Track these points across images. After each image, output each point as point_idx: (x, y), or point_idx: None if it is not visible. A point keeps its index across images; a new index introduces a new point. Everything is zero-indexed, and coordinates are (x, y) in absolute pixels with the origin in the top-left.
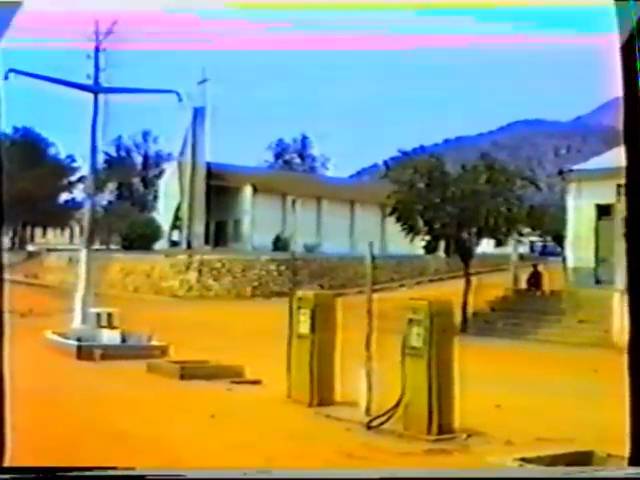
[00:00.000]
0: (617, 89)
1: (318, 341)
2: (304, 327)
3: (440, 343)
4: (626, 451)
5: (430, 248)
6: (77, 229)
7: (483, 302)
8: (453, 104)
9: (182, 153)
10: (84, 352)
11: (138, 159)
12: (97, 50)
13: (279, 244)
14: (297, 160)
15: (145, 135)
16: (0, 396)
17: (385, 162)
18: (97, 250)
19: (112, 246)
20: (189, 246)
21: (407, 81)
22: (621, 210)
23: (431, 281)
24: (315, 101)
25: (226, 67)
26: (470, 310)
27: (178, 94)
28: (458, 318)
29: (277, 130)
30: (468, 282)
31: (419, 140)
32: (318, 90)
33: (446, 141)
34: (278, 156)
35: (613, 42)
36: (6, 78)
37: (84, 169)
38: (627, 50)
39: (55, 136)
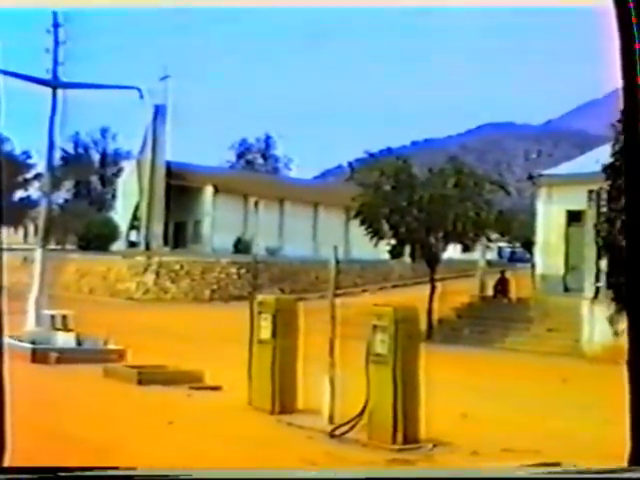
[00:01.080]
0: (592, 91)
1: (280, 347)
2: (265, 332)
3: (405, 350)
4: (593, 462)
5: (395, 253)
6: (32, 228)
7: (449, 309)
8: (422, 103)
9: (141, 151)
10: (39, 355)
11: (96, 157)
12: (56, 43)
13: (240, 246)
14: (260, 160)
15: (104, 132)
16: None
17: (350, 164)
18: (52, 250)
19: (68, 246)
20: (147, 247)
21: (374, 79)
22: (592, 216)
23: (395, 286)
24: (278, 99)
25: (189, 63)
26: (436, 317)
27: (139, 90)
28: (423, 325)
29: (240, 129)
30: (433, 288)
31: (386, 142)
32: (281, 87)
33: (414, 143)
34: (240, 156)
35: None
36: None
37: (40, 166)
38: (626, 46)
39: (10, 131)
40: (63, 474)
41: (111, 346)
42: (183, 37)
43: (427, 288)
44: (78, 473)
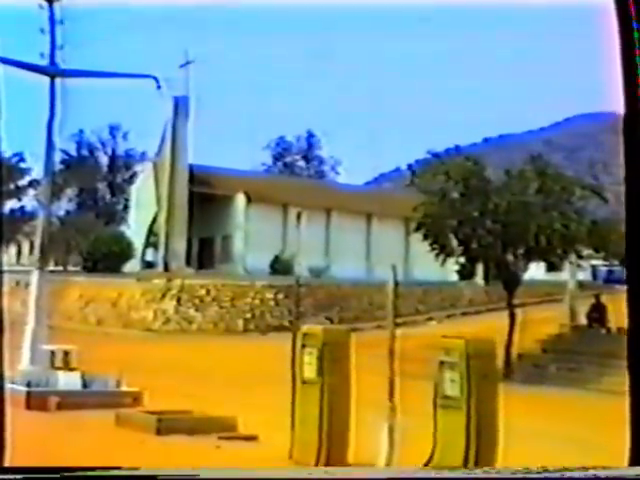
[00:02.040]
0: None
1: (328, 387)
2: (310, 370)
3: (480, 392)
4: None
5: (465, 273)
6: (27, 245)
7: (532, 341)
8: (494, 94)
9: (159, 153)
10: (35, 400)
11: (104, 159)
12: (53, 22)
13: (278, 266)
14: (301, 163)
15: (113, 130)
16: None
17: (410, 166)
18: (52, 272)
19: (70, 267)
20: (166, 268)
21: (437, 67)
22: None
23: (466, 314)
24: (323, 89)
25: (215, 46)
26: (516, 351)
27: (156, 79)
28: (501, 361)
29: (277, 126)
30: (513, 316)
31: (453, 139)
32: (326, 78)
33: (486, 140)
34: (278, 158)
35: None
36: None
37: (36, 171)
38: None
39: None
40: (64, 474)
41: (124, 388)
42: (208, 14)
43: (505, 316)
44: (80, 473)
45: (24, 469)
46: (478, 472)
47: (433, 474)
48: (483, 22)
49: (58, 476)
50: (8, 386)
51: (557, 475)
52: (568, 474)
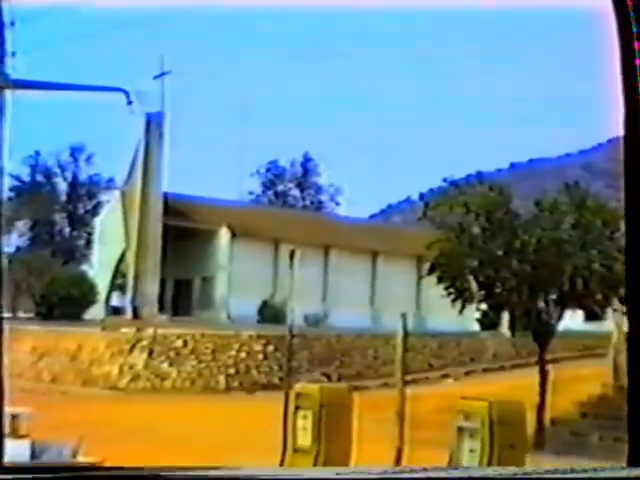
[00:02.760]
0: None
1: (324, 457)
2: (304, 436)
3: (505, 464)
4: None
5: (488, 322)
6: None
7: (569, 404)
8: (523, 112)
9: (128, 179)
10: None
11: (63, 187)
12: (1, 25)
13: (267, 314)
14: (295, 192)
15: (74, 152)
16: None
17: (423, 196)
18: None
19: (21, 314)
20: (136, 315)
21: (454, 81)
22: None
23: (489, 371)
24: (321, 108)
25: (193, 56)
26: (549, 415)
27: (126, 93)
28: (531, 427)
29: (267, 148)
30: (545, 373)
31: (474, 164)
32: (325, 94)
33: (513, 166)
34: (268, 186)
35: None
36: None
37: None
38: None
39: None
40: (64, 474)
41: (83, 458)
42: (188, 17)
43: (535, 373)
44: (80, 473)
45: (24, 469)
46: (478, 472)
47: (433, 474)
48: (506, 30)
49: (58, 476)
50: None
51: (557, 475)
52: (568, 474)
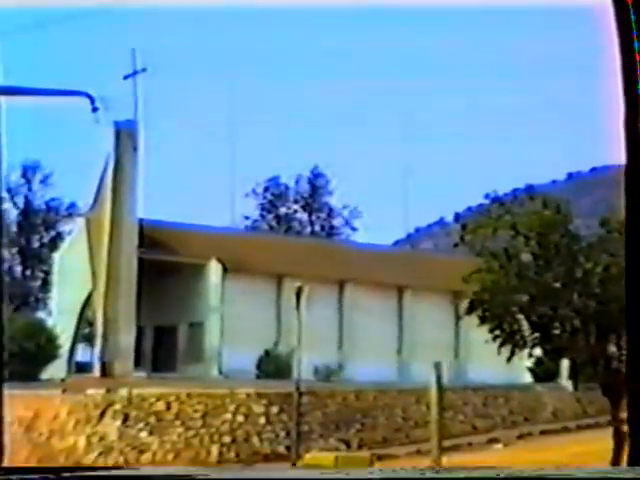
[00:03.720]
0: None
1: None
2: None
3: None
4: None
5: (543, 372)
6: None
7: None
8: (583, 109)
9: (95, 204)
10: None
11: (12, 214)
12: None
13: (269, 366)
14: (302, 215)
15: (28, 171)
16: None
17: (458, 217)
18: None
19: None
20: (105, 372)
21: (495, 79)
22: None
23: (547, 433)
24: (333, 111)
25: (171, 49)
26: None
27: (90, 97)
28: None
29: (267, 162)
30: (621, 436)
31: (522, 176)
32: (338, 91)
33: (571, 176)
34: (268, 208)
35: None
36: None
37: None
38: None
39: None
40: (64, 474)
41: None
42: (164, 4)
43: (608, 436)
44: (80, 473)
45: (24, 469)
46: (478, 472)
47: (433, 474)
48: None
49: (58, 476)
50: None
51: (558, 475)
52: (569, 474)
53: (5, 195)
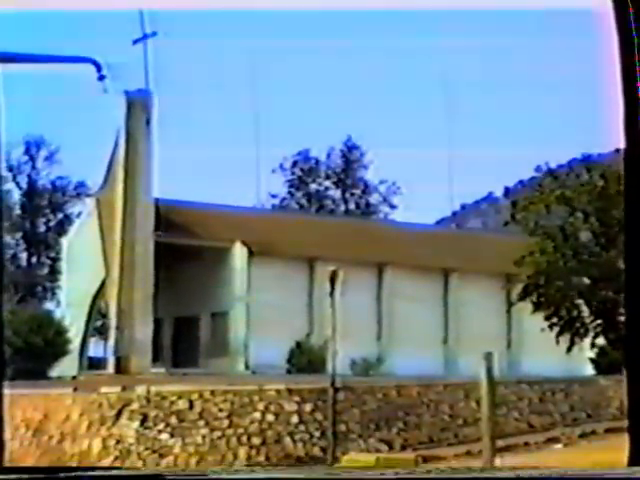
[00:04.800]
0: None
1: None
2: None
3: None
4: None
5: (607, 363)
6: None
7: None
8: None
9: (106, 183)
10: None
11: (15, 195)
12: None
13: (301, 359)
14: (334, 192)
15: (31, 147)
16: None
17: (508, 191)
18: None
19: None
20: (120, 368)
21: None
22: None
23: (613, 431)
24: (367, 75)
25: (185, 9)
26: None
27: (97, 64)
28: None
29: (295, 133)
30: None
31: (576, 145)
32: (371, 54)
33: None
34: (297, 185)
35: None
36: None
37: None
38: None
39: None
40: (64, 474)
41: None
42: None
43: None
44: (80, 473)
45: (24, 469)
46: (478, 472)
47: (433, 474)
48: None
49: (58, 476)
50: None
51: (558, 475)
52: (569, 474)
53: (6, 174)
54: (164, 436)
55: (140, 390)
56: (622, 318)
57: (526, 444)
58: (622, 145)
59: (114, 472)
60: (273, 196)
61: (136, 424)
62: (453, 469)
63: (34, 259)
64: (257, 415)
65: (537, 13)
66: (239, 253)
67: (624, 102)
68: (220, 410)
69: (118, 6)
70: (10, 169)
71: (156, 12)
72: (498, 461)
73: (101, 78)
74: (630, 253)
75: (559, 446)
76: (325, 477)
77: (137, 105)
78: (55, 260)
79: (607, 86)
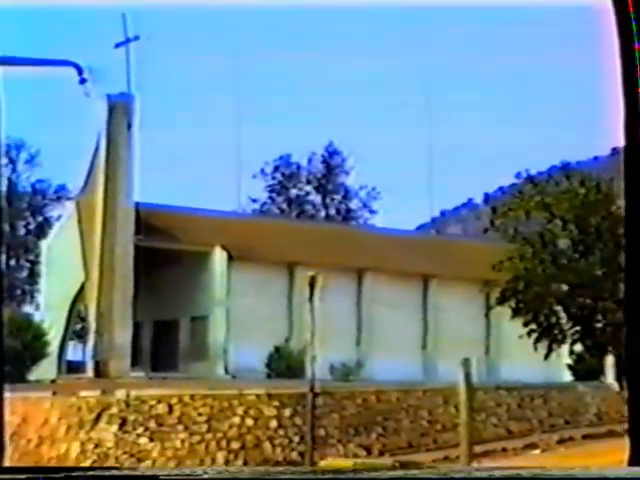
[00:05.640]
0: None
1: None
2: None
3: None
4: None
5: (585, 369)
6: None
7: None
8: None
9: (86, 187)
10: None
11: None
12: None
13: (280, 364)
14: (315, 197)
15: (11, 150)
16: None
17: (488, 198)
18: None
19: None
20: (99, 372)
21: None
22: None
23: (591, 438)
24: (350, 80)
25: (169, 13)
26: None
27: (78, 68)
28: None
29: (276, 139)
30: None
31: (556, 152)
32: (354, 61)
33: (615, 150)
34: (278, 190)
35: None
36: None
37: None
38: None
39: None
40: (64, 474)
41: None
42: None
43: None
44: (80, 473)
45: (24, 469)
46: (478, 472)
47: (433, 474)
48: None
49: (57, 476)
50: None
51: (558, 475)
52: (569, 474)
53: None
54: (143, 440)
55: (119, 394)
56: (599, 325)
57: (504, 450)
58: (622, 145)
59: (113, 472)
60: (254, 201)
61: (115, 428)
62: (453, 469)
63: (13, 262)
64: (236, 420)
65: (537, 13)
66: (219, 257)
67: (624, 102)
68: (199, 414)
69: (99, 4)
70: None
71: (139, 14)
72: (475, 467)
73: (82, 81)
74: (630, 253)
75: (537, 452)
76: (328, 477)
77: (119, 109)
78: (34, 263)
79: (607, 86)
